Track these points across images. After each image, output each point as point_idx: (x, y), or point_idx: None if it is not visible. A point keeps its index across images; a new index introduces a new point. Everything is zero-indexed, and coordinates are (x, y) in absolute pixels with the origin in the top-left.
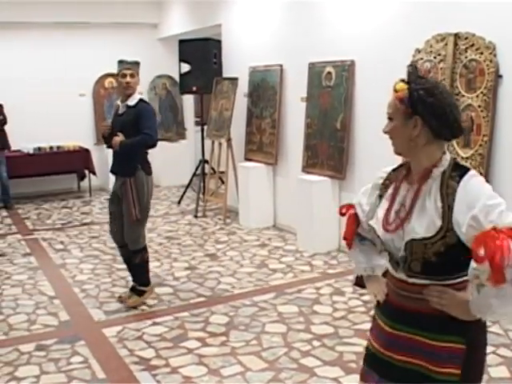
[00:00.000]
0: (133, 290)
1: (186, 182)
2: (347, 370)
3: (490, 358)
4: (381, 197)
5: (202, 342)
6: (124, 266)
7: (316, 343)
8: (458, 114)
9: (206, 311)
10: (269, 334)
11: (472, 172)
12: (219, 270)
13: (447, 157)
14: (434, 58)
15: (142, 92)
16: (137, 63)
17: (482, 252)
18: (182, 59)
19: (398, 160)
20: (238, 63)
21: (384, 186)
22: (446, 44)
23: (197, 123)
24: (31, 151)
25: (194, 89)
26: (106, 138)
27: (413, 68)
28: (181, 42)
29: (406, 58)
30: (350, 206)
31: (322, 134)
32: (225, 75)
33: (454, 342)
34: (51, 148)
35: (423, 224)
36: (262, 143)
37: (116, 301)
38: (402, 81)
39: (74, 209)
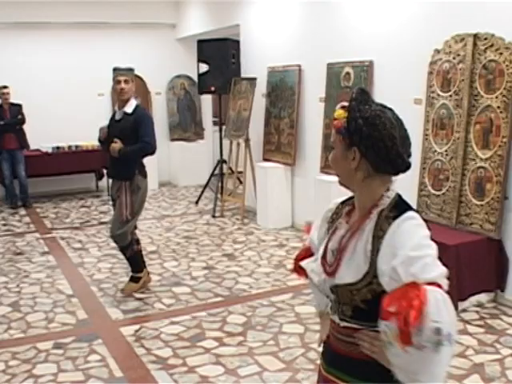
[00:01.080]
0: (131, 278)
1: (204, 181)
2: None
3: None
4: (328, 231)
5: (219, 342)
6: None
7: None
8: (401, 147)
9: (224, 311)
10: (286, 334)
11: (409, 214)
12: (237, 269)
13: (389, 194)
14: (453, 58)
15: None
16: (131, 70)
17: (391, 309)
18: (200, 59)
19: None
20: (256, 63)
21: (331, 220)
22: (466, 44)
23: (215, 123)
24: (50, 150)
25: (213, 89)
26: (102, 142)
27: (358, 92)
28: (199, 42)
29: (425, 58)
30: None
31: None
32: (243, 75)
33: None
34: (70, 147)
35: (351, 268)
36: (280, 143)
37: (121, 293)
38: (343, 107)
39: (92, 208)
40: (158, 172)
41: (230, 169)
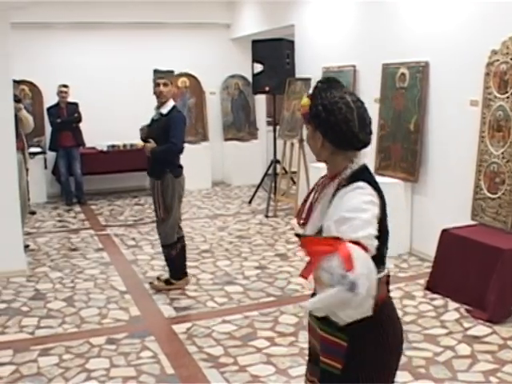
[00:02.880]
0: (166, 280)
1: (258, 181)
2: (416, 375)
3: None
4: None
5: (270, 342)
6: (194, 264)
7: None
8: (359, 128)
9: (276, 311)
10: None
11: (358, 184)
12: (289, 270)
13: (352, 166)
14: (511, 59)
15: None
16: (171, 72)
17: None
18: (254, 59)
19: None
20: (310, 63)
21: (315, 189)
22: None
23: (269, 123)
24: (105, 148)
25: (267, 89)
26: (144, 141)
27: (322, 83)
28: (254, 42)
29: (481, 59)
30: None
31: (395, 135)
32: (298, 76)
33: (337, 337)
34: (124, 146)
35: (312, 224)
36: None
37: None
38: (308, 96)
39: (145, 206)
40: (211, 171)
41: (284, 169)
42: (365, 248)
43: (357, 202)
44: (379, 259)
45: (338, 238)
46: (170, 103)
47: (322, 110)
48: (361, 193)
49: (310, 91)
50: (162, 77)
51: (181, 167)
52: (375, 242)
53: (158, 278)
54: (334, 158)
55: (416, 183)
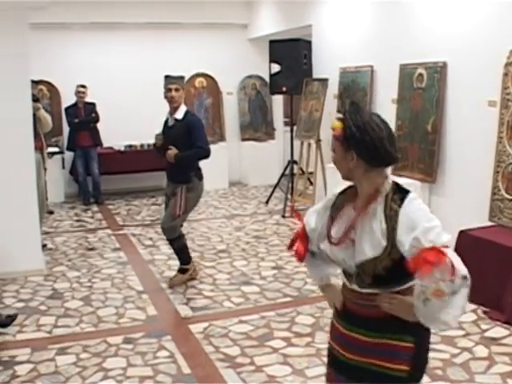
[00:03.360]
0: (179, 270)
1: (274, 181)
2: (433, 377)
3: None
4: (331, 218)
5: (287, 342)
6: (210, 264)
7: None
8: (389, 146)
9: (292, 311)
10: None
11: (411, 195)
12: (306, 270)
13: (389, 181)
14: None
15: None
16: (181, 78)
17: (423, 268)
18: (272, 60)
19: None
20: (328, 64)
21: (335, 209)
22: None
23: (286, 123)
24: (122, 148)
25: (284, 89)
26: (158, 148)
27: (349, 104)
28: (271, 42)
29: (499, 59)
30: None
31: (412, 136)
32: (315, 76)
33: (403, 341)
34: (142, 146)
35: (371, 245)
36: None
37: (169, 284)
38: (339, 119)
39: (162, 206)
40: (228, 171)
41: (301, 169)
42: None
43: (427, 212)
44: None
45: (434, 249)
46: (183, 108)
47: (356, 131)
48: (420, 203)
49: (340, 115)
50: (173, 82)
51: (201, 169)
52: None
53: (171, 279)
54: (367, 176)
55: (433, 184)
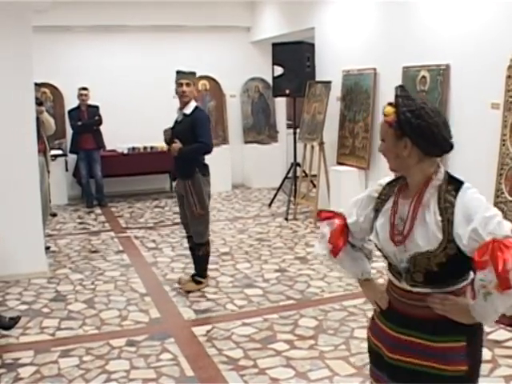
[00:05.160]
0: (192, 277)
1: (277, 184)
2: None
3: None
4: (377, 210)
5: (290, 345)
6: (214, 266)
7: None
8: (445, 132)
9: (295, 314)
10: (358, 339)
11: (466, 185)
12: (309, 273)
13: (442, 170)
14: None
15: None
16: (193, 73)
17: (485, 262)
18: (275, 62)
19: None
20: (331, 67)
21: (380, 200)
22: None
23: (289, 126)
24: (125, 151)
25: (287, 92)
26: (168, 143)
27: (401, 89)
28: (274, 45)
29: (503, 61)
30: (335, 215)
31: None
32: (318, 79)
33: (456, 341)
34: (145, 148)
35: (425, 237)
36: (355, 147)
37: (177, 283)
38: (390, 104)
39: (166, 208)
40: (231, 174)
41: (304, 172)
42: None
43: (484, 201)
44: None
45: (496, 241)
46: (193, 103)
47: (411, 116)
48: (477, 192)
49: (391, 101)
50: (184, 77)
51: (206, 166)
52: None
53: (180, 279)
54: (420, 166)
55: None
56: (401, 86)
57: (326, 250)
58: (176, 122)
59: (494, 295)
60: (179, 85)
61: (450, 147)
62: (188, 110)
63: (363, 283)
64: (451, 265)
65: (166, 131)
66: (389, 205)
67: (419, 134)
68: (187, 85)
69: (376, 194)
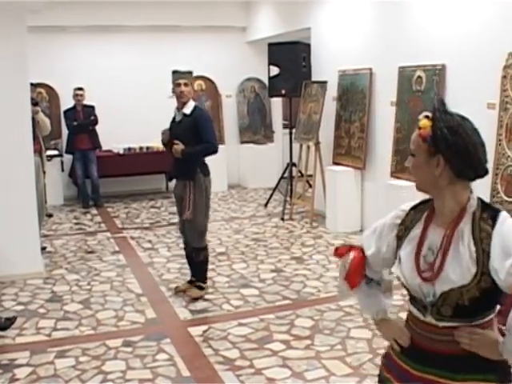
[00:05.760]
0: (191, 283)
1: (273, 184)
2: None
3: None
4: (400, 238)
5: (286, 345)
6: (210, 267)
7: None
8: (482, 154)
9: (291, 314)
10: (354, 339)
11: (504, 214)
12: (305, 273)
13: (474, 196)
14: None
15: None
16: (190, 73)
17: None
18: (271, 62)
19: None
20: (327, 67)
21: (404, 227)
22: None
23: (285, 126)
24: (121, 151)
25: (283, 92)
26: (165, 145)
27: (439, 102)
28: (270, 45)
29: (499, 62)
30: (352, 248)
31: (411, 139)
32: (314, 79)
33: (486, 380)
34: (141, 148)
35: (457, 271)
36: (351, 147)
37: (174, 290)
38: (427, 117)
39: (162, 209)
40: (227, 174)
41: (300, 172)
42: None
43: None
44: None
45: None
46: (192, 103)
47: (447, 133)
48: None
49: (428, 113)
50: (182, 77)
51: (206, 165)
52: None
53: (177, 287)
54: (451, 189)
55: None
56: (440, 100)
57: (343, 287)
58: (174, 122)
59: None
60: (177, 85)
61: (484, 172)
62: (188, 110)
63: (379, 322)
64: (484, 299)
65: (163, 132)
66: (415, 232)
67: (454, 153)
68: (185, 85)
69: (399, 221)
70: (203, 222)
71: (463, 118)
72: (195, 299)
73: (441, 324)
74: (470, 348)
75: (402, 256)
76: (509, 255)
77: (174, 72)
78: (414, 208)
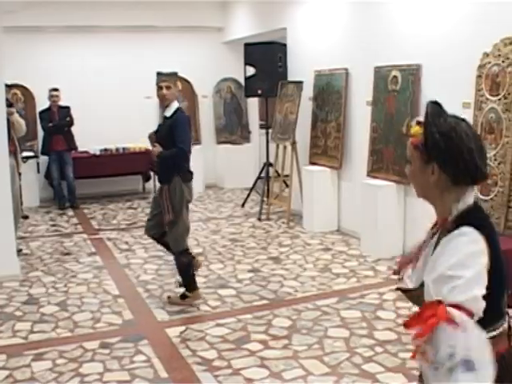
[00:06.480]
0: (181, 294)
1: (250, 184)
2: (410, 378)
3: None
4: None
5: (264, 345)
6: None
7: (379, 349)
8: (479, 158)
9: (269, 314)
10: (331, 338)
11: (463, 229)
12: (282, 273)
13: (459, 206)
14: (503, 62)
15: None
16: (174, 74)
17: (412, 323)
18: (247, 62)
19: None
20: (303, 67)
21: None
22: None
23: (261, 126)
24: (97, 152)
25: (259, 92)
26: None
27: (432, 106)
28: (246, 45)
29: (473, 61)
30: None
31: (387, 138)
32: (290, 79)
33: None
34: (117, 149)
35: (415, 276)
36: (327, 147)
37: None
38: (418, 123)
39: (138, 209)
40: (204, 174)
41: (277, 172)
42: (469, 312)
43: (459, 255)
44: (497, 312)
45: (439, 303)
46: (174, 105)
47: (440, 139)
48: (464, 242)
49: (420, 118)
50: (164, 80)
51: (190, 172)
52: (482, 304)
53: (169, 297)
54: (445, 197)
55: (409, 186)
56: (433, 102)
57: None
58: (159, 124)
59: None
60: (159, 88)
61: (483, 177)
62: (168, 113)
63: None
64: None
65: (150, 136)
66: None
67: (448, 160)
68: (167, 87)
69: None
70: (182, 227)
71: (458, 121)
72: (173, 304)
73: None
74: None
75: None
76: (432, 270)
77: (158, 74)
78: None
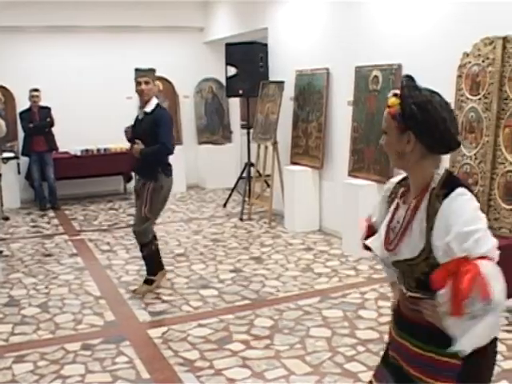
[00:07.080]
0: (145, 280)
1: (232, 184)
2: None
3: None
4: (389, 210)
5: (246, 345)
6: (169, 268)
7: (361, 348)
8: (453, 128)
9: (251, 314)
10: (313, 338)
11: (459, 190)
12: (264, 273)
13: (439, 171)
14: (483, 61)
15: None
16: (152, 70)
17: (442, 282)
18: (228, 62)
19: None
20: (284, 67)
21: (390, 200)
22: (495, 47)
23: (243, 126)
24: (78, 153)
25: (241, 92)
26: (129, 141)
27: (407, 79)
28: (227, 45)
29: (453, 61)
30: (367, 219)
31: (368, 138)
32: (271, 79)
33: (448, 356)
34: (98, 150)
35: (409, 245)
36: (308, 147)
37: (132, 294)
38: (395, 95)
39: (120, 210)
40: (185, 175)
41: (258, 172)
42: (492, 259)
43: (469, 212)
44: None
45: (465, 259)
46: (154, 101)
47: (416, 110)
48: (467, 200)
49: (396, 90)
50: (143, 75)
51: (170, 165)
52: (498, 251)
53: (135, 290)
54: (421, 164)
55: None
56: (408, 76)
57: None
58: (137, 120)
59: (447, 317)
60: (137, 83)
61: (457, 145)
62: (149, 109)
63: (392, 285)
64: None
65: (126, 130)
66: (393, 205)
67: (424, 129)
68: (146, 83)
69: (388, 193)
70: (152, 220)
71: (432, 93)
72: (140, 294)
73: (408, 293)
74: (431, 320)
75: (381, 229)
76: (446, 234)
77: (136, 70)
78: (399, 182)
